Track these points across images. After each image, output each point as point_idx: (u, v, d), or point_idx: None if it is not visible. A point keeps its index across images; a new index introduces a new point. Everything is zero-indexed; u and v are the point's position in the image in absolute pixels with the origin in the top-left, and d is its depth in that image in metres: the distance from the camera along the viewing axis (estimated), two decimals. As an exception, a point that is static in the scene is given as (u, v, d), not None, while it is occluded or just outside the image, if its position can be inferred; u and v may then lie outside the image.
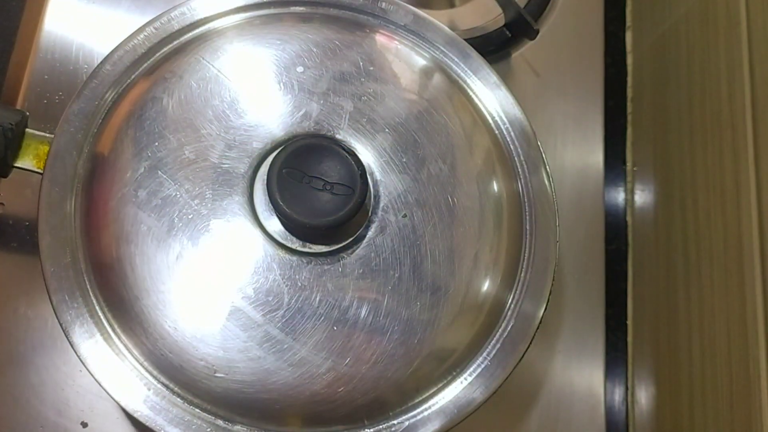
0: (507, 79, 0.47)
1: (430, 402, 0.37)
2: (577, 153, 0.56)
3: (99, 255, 0.37)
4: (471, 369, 0.38)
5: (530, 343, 0.38)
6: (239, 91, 0.39)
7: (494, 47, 0.56)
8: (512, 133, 0.42)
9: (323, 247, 0.37)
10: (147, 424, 0.35)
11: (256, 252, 0.36)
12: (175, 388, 0.36)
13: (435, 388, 0.37)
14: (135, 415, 0.35)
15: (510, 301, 0.39)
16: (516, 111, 0.43)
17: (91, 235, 0.37)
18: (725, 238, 0.43)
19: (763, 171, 0.40)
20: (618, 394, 0.53)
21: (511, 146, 0.42)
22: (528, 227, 0.41)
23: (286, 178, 0.35)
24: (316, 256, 0.37)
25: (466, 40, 0.44)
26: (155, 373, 0.36)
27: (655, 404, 0.51)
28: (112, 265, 0.36)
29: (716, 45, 0.47)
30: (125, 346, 0.36)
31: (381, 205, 0.38)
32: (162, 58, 0.40)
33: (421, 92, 0.41)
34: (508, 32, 0.56)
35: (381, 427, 0.37)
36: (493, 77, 0.43)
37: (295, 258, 0.36)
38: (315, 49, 0.40)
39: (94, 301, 0.37)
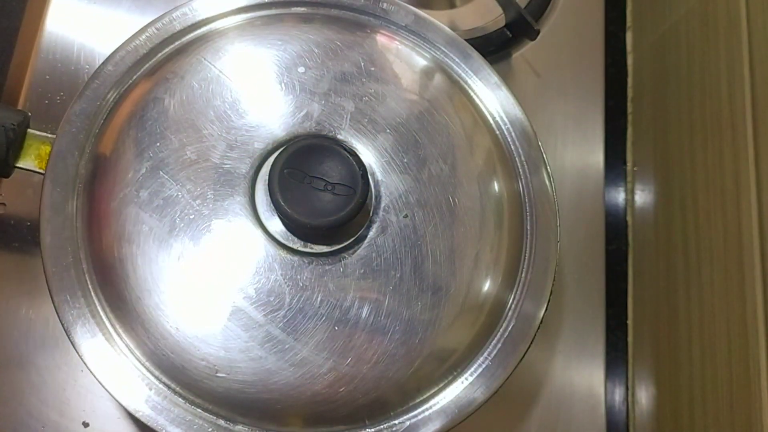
0: (507, 79, 0.47)
1: (431, 402, 0.37)
2: (578, 153, 0.56)
3: (101, 255, 0.37)
4: (472, 369, 0.38)
5: (531, 343, 0.39)
6: (241, 91, 0.39)
7: (495, 48, 0.56)
8: (513, 134, 0.42)
9: (324, 247, 0.37)
10: (148, 423, 0.35)
11: (258, 252, 0.36)
12: (177, 388, 0.36)
13: (436, 388, 0.38)
14: (136, 415, 0.36)
15: (511, 301, 0.39)
16: (517, 111, 0.43)
17: (93, 235, 0.37)
18: (725, 238, 0.43)
19: (763, 171, 0.40)
20: (618, 394, 0.53)
21: (512, 146, 0.42)
22: (529, 227, 0.41)
23: (287, 178, 0.35)
24: (317, 257, 0.37)
25: (466, 40, 0.44)
26: (157, 373, 0.36)
27: (656, 404, 0.51)
28: (114, 265, 0.36)
29: (716, 45, 0.47)
30: (127, 346, 0.36)
31: (382, 205, 0.38)
32: (164, 58, 0.41)
33: (422, 93, 0.41)
34: (508, 32, 0.56)
35: (382, 427, 0.37)
36: (494, 78, 0.43)
37: (296, 258, 0.36)
38: (316, 50, 0.40)
39: (96, 301, 0.37)
